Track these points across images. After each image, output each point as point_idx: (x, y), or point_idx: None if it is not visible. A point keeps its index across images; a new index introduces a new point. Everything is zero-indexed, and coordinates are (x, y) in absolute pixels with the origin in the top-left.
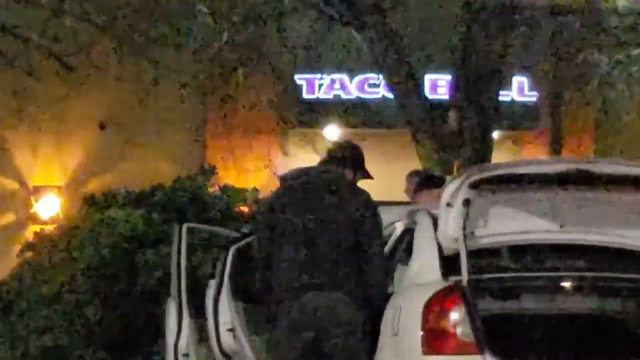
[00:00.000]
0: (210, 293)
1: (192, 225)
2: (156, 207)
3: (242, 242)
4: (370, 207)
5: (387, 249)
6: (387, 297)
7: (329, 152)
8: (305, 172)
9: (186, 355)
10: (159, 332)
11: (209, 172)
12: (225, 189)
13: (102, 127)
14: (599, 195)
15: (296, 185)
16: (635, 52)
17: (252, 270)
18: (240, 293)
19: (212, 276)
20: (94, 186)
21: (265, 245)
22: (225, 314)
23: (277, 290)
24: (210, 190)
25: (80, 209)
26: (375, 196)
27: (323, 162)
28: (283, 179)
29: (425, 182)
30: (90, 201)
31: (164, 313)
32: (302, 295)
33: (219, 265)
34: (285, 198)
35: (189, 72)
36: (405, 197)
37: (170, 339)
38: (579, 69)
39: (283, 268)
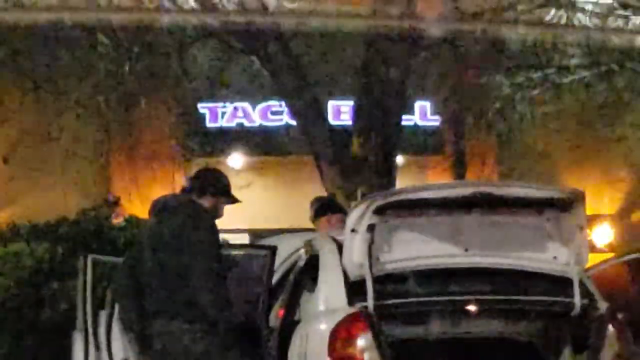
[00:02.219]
0: (101, 323)
1: (97, 257)
2: (61, 240)
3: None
4: (204, 229)
5: (292, 276)
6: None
7: (188, 180)
8: (162, 199)
9: None
10: None
11: (113, 203)
12: (130, 219)
13: (5, 160)
14: (502, 218)
15: (153, 210)
16: (536, 74)
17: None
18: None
19: (103, 306)
20: None
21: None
22: (118, 344)
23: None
24: (115, 221)
25: None
26: (278, 222)
27: (182, 190)
28: (152, 204)
29: (326, 209)
30: None
31: (71, 345)
32: (153, 324)
33: (108, 294)
34: (145, 225)
35: (91, 103)
36: (309, 224)
37: None
38: (480, 92)
39: (143, 293)
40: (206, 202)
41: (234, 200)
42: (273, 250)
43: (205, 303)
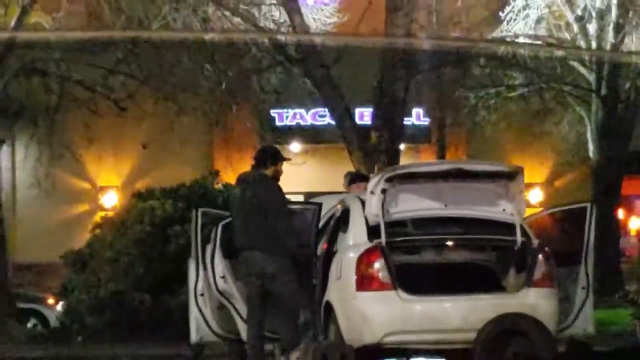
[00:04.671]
0: (207, 253)
1: (203, 209)
2: (181, 198)
3: (227, 220)
4: (273, 193)
5: (332, 222)
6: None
7: (254, 159)
8: (243, 175)
9: (202, 295)
10: (184, 281)
11: (215, 174)
12: (226, 186)
13: (144, 147)
14: (469, 185)
15: (238, 183)
16: (492, 90)
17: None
18: (226, 252)
19: (208, 242)
20: (140, 185)
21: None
22: (218, 266)
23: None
24: (216, 186)
25: (130, 201)
26: (322, 188)
27: (252, 166)
28: (237, 179)
29: (355, 179)
30: (137, 195)
31: (187, 268)
32: (240, 254)
33: (212, 235)
34: (234, 192)
35: (201, 108)
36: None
37: (191, 284)
38: (455, 102)
39: (234, 235)
40: (268, 171)
41: (284, 159)
42: (319, 205)
43: (281, 237)
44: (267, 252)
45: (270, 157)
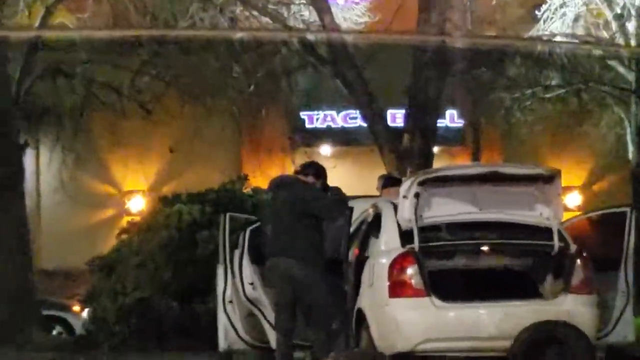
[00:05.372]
0: (235, 259)
1: (231, 214)
2: (208, 203)
3: (255, 225)
4: (309, 191)
5: (363, 226)
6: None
7: (301, 166)
8: (276, 178)
9: (230, 302)
10: (212, 287)
11: (243, 179)
12: (255, 190)
13: (171, 150)
14: (505, 188)
15: (271, 186)
16: (528, 91)
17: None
18: (255, 258)
19: (236, 247)
20: (166, 190)
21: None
22: (247, 273)
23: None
24: (245, 191)
25: (157, 205)
26: (354, 191)
27: (296, 172)
28: (270, 182)
29: (388, 182)
30: (164, 200)
31: (215, 274)
32: (269, 260)
33: (240, 240)
34: (265, 196)
35: (229, 111)
36: (376, 192)
37: (220, 291)
38: (490, 104)
39: (264, 240)
40: (309, 180)
41: (325, 186)
42: (351, 209)
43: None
44: (298, 258)
45: (314, 171)
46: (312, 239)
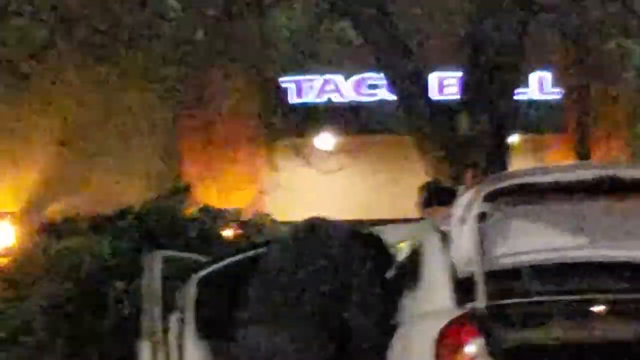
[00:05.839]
0: (172, 330)
1: (166, 252)
2: (125, 233)
3: (207, 269)
4: None
5: (392, 272)
6: (391, 328)
7: None
8: None
9: None
10: None
11: (185, 190)
12: (204, 210)
13: (62, 144)
14: (633, 205)
15: None
16: None
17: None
18: (207, 328)
19: (174, 309)
20: (53, 211)
21: None
22: (192, 354)
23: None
24: (188, 212)
25: (37, 238)
26: (375, 213)
27: None
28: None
29: (435, 195)
30: (49, 228)
31: (136, 356)
32: (243, 330)
33: (181, 297)
34: None
35: (159, 77)
36: (414, 212)
37: None
38: (608, 60)
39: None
40: None
41: None
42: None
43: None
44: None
45: None
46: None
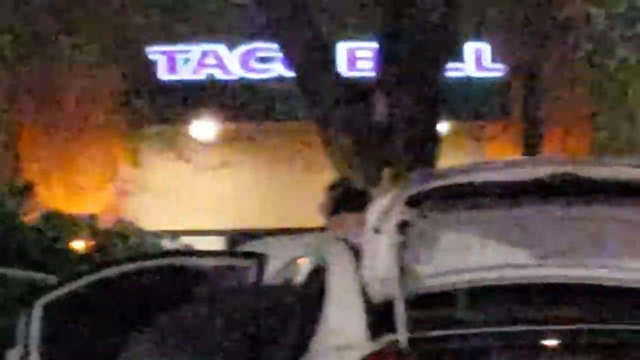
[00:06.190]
0: None
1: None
2: None
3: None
4: None
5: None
6: None
7: None
8: None
9: None
10: None
11: (24, 191)
12: (49, 216)
13: None
14: (596, 211)
15: None
16: None
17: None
18: None
19: (13, 345)
20: None
21: None
22: None
23: None
24: (28, 218)
25: None
26: (269, 220)
27: None
28: None
29: (344, 200)
30: None
31: None
32: None
33: (23, 327)
34: None
35: None
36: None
37: None
38: (563, 30)
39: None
40: None
41: None
42: (261, 260)
43: None
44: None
45: None
46: None
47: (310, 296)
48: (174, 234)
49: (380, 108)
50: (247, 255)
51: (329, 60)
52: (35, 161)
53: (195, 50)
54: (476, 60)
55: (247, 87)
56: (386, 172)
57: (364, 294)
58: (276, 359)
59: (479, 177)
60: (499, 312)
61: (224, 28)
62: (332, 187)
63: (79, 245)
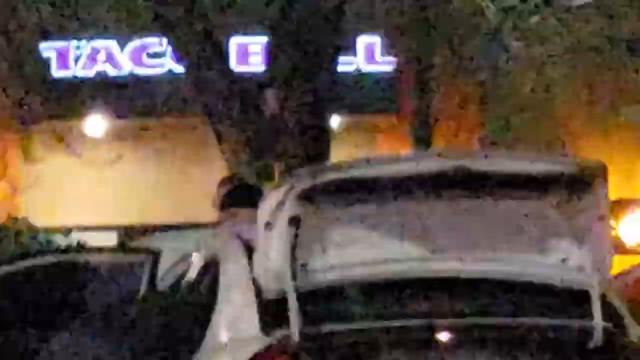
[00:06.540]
0: None
1: None
2: None
3: None
4: None
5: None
6: None
7: None
8: None
9: None
10: None
11: None
12: None
13: None
14: (487, 205)
15: None
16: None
17: None
18: None
19: None
20: None
21: None
22: None
23: None
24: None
25: None
26: (162, 215)
27: None
28: None
29: (236, 195)
30: None
31: None
32: None
33: None
34: None
35: None
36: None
37: None
38: (454, 22)
39: None
40: None
41: None
42: (154, 255)
43: None
44: None
45: None
46: None
47: (203, 292)
48: (67, 230)
49: (271, 103)
50: (141, 251)
51: (220, 55)
52: None
53: (86, 45)
54: (367, 54)
55: (138, 83)
56: (278, 167)
57: (257, 289)
58: (171, 356)
59: (370, 172)
60: (389, 307)
61: (115, 23)
62: (222, 184)
63: None
